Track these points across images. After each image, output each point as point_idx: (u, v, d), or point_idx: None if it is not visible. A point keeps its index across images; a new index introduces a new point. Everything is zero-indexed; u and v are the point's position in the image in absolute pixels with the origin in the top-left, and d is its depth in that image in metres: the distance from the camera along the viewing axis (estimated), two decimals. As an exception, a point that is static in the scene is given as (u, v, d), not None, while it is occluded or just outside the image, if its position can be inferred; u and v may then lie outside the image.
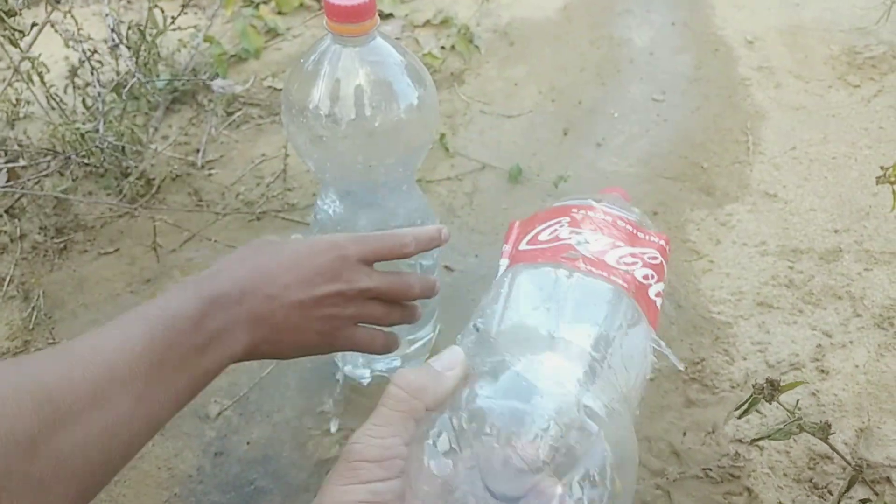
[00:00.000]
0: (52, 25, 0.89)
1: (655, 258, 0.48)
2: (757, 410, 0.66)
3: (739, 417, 0.49)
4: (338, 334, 0.50)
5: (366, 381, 0.70)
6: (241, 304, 0.44)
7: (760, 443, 0.64)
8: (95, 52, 0.89)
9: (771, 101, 1.01)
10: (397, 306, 0.54)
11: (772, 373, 0.69)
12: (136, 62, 0.87)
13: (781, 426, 0.46)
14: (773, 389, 0.43)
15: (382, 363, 0.70)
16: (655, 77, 1.05)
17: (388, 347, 0.55)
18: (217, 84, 0.99)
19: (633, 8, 1.18)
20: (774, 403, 0.63)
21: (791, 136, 0.95)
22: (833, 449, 0.51)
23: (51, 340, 0.76)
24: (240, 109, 1.03)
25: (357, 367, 0.70)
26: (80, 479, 0.35)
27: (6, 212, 0.88)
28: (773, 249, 0.80)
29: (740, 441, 0.65)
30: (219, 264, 0.47)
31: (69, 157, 0.85)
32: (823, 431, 0.47)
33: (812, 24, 1.14)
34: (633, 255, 0.47)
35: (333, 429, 0.67)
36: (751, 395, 0.49)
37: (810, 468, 0.62)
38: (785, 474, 0.62)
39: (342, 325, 0.50)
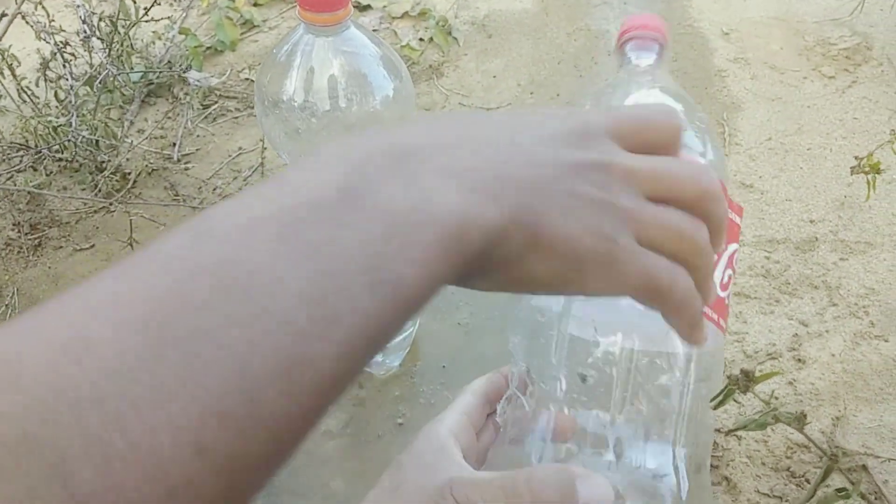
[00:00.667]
0: (23, 17, 0.87)
1: (733, 244, 0.36)
2: (735, 400, 0.67)
3: (715, 408, 0.50)
4: (618, 243, 0.26)
5: None
6: (449, 156, 0.25)
7: (738, 432, 0.65)
8: (68, 44, 0.87)
9: (747, 92, 1.02)
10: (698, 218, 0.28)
11: (749, 363, 0.70)
12: (109, 54, 0.85)
13: (757, 417, 0.46)
14: (747, 381, 0.44)
15: None
16: (633, 69, 1.05)
17: (691, 295, 0.27)
18: (193, 77, 0.98)
19: (610, 0, 1.19)
20: (750, 393, 0.64)
21: (766, 126, 0.96)
22: (809, 439, 0.52)
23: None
24: (216, 102, 1.02)
25: None
26: None
27: (-23, 208, 0.87)
28: (749, 240, 0.81)
29: (718, 431, 0.65)
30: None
31: (41, 152, 0.84)
32: (799, 422, 0.48)
33: (787, 15, 1.15)
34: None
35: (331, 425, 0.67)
36: (726, 387, 0.49)
37: (788, 457, 0.63)
38: (763, 463, 0.63)
39: (620, 228, 0.26)
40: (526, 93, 1.02)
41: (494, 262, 0.25)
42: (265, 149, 0.92)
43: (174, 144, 0.95)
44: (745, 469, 0.62)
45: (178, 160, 0.93)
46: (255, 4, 1.21)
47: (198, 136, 0.97)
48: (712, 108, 0.98)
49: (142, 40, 1.03)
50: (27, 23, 0.89)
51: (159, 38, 1.06)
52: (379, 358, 0.70)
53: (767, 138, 0.94)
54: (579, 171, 0.26)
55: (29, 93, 0.88)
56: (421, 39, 1.12)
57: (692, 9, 1.17)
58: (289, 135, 0.52)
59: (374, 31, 1.15)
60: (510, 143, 0.26)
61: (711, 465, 0.62)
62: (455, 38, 1.12)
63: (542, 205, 0.25)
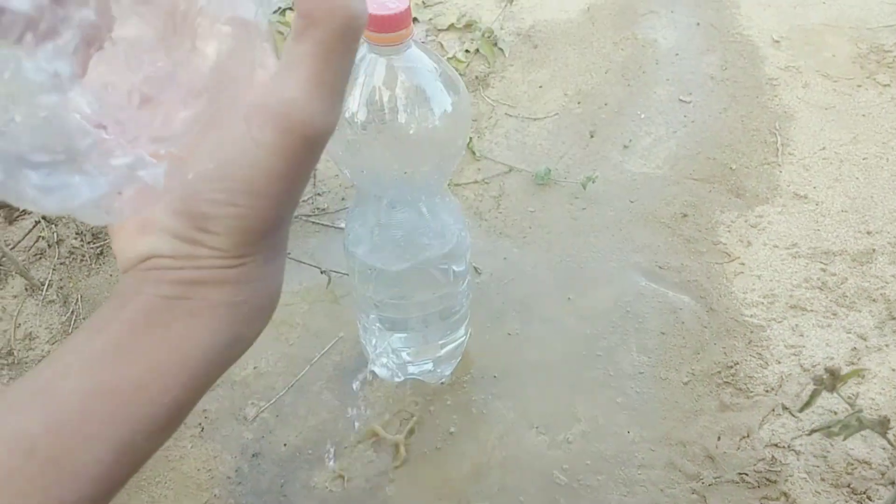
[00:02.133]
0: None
1: None
2: (791, 414, 0.66)
3: (800, 411, 0.49)
4: None
5: (398, 380, 0.71)
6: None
7: (797, 447, 0.64)
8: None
9: (799, 101, 1.01)
10: None
11: (807, 377, 0.69)
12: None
13: (839, 420, 0.45)
14: (833, 379, 0.43)
15: (415, 366, 0.71)
16: (681, 78, 1.05)
17: None
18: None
19: (657, 9, 1.18)
20: (813, 408, 0.63)
21: (820, 136, 0.95)
22: (892, 444, 0.50)
23: (89, 345, 0.78)
24: (268, 115, 1.05)
25: (389, 369, 0.71)
26: None
27: (43, 218, 0.90)
28: (804, 251, 0.80)
29: (776, 445, 0.64)
30: None
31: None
32: (882, 426, 0.46)
33: (840, 22, 1.13)
34: None
35: (357, 426, 0.68)
36: (812, 389, 0.48)
37: (848, 473, 0.62)
38: (822, 479, 0.62)
39: None
40: (573, 102, 1.02)
41: None
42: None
43: (229, 156, 0.97)
44: (803, 485, 0.61)
45: (233, 172, 0.95)
46: (305, 18, 1.23)
47: (251, 148, 0.99)
48: (763, 118, 0.97)
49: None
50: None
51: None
52: (431, 368, 0.71)
53: (821, 148, 0.92)
54: None
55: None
56: (467, 51, 1.13)
57: (741, 16, 1.16)
58: (350, 150, 0.54)
59: (420, 43, 1.17)
60: None
61: (769, 481, 0.62)
62: (501, 49, 1.13)
63: None
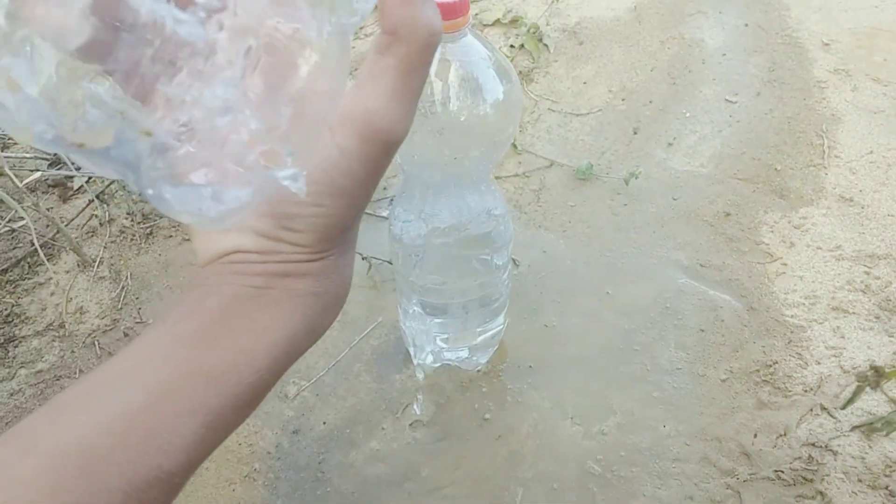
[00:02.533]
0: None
1: None
2: (830, 415, 0.66)
3: (843, 408, 0.49)
4: None
5: (435, 365, 0.73)
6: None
7: (835, 448, 0.63)
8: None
9: (847, 104, 0.99)
10: None
11: (847, 378, 0.68)
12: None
13: (882, 416, 0.45)
14: (878, 377, 0.43)
15: (451, 353, 0.72)
16: (728, 78, 1.04)
17: None
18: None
19: (705, 9, 1.17)
20: (850, 408, 0.63)
21: (868, 139, 0.93)
22: None
23: (138, 320, 0.80)
24: (314, 104, 1.07)
25: (426, 356, 0.72)
26: None
27: (97, 197, 0.93)
28: (848, 254, 0.79)
29: (813, 445, 0.64)
30: None
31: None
32: None
33: (891, 25, 1.11)
34: None
35: (418, 411, 0.69)
36: (856, 386, 0.48)
37: (886, 475, 0.61)
38: (860, 480, 0.61)
39: None
40: (617, 99, 1.02)
41: None
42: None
43: (275, 143, 0.99)
44: (840, 485, 0.61)
45: (280, 158, 0.97)
46: (352, 11, 1.25)
47: (297, 135, 1.01)
48: (811, 120, 0.96)
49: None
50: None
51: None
52: (466, 355, 0.72)
53: (869, 151, 0.91)
54: None
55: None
56: (512, 46, 1.14)
57: (791, 19, 1.14)
58: None
59: (465, 37, 1.18)
60: None
61: (805, 479, 0.62)
62: (546, 45, 1.14)
63: None
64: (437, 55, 0.52)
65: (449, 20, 0.50)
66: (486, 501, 0.63)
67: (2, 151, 0.86)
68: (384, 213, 0.89)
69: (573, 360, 0.73)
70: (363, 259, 0.82)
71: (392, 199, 0.91)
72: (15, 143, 0.95)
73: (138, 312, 0.81)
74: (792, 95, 1.01)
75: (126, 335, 0.79)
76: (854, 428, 0.63)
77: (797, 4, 1.18)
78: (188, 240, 0.88)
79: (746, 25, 1.14)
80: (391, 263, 0.81)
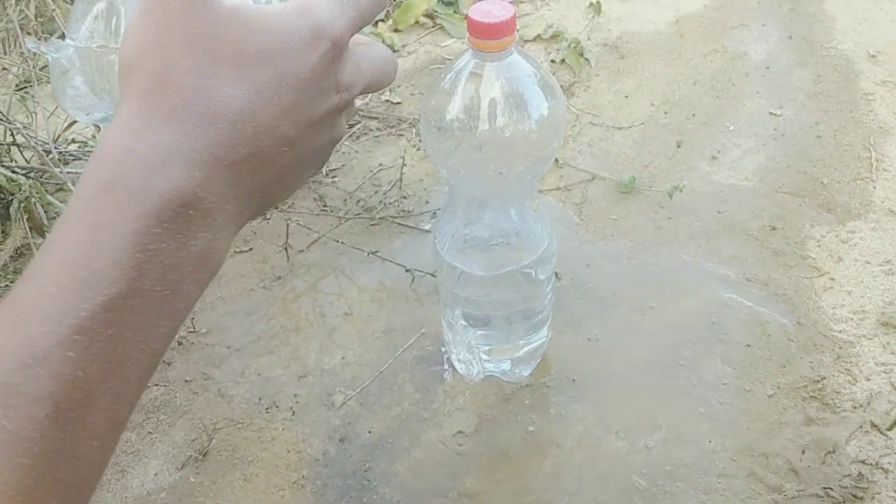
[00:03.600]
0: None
1: None
2: (881, 432, 0.65)
3: (889, 429, 0.49)
4: (333, 146, 0.36)
5: (479, 378, 0.73)
6: (256, 156, 0.30)
7: (885, 466, 0.62)
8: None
9: (895, 116, 0.98)
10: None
11: (897, 395, 0.67)
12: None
13: None
14: None
15: (494, 365, 0.73)
16: (772, 91, 1.04)
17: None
18: (340, 96, 1.05)
19: (748, 22, 1.17)
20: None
21: (918, 152, 0.92)
22: None
23: (191, 329, 0.83)
24: (359, 122, 1.09)
25: (468, 365, 0.73)
26: None
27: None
28: (899, 269, 0.78)
29: (863, 462, 0.63)
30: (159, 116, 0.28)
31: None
32: None
33: (942, 36, 1.09)
34: None
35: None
36: None
37: (940, 494, 0.60)
38: (912, 499, 0.60)
39: (339, 139, 0.36)
40: (660, 112, 1.03)
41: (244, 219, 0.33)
42: (404, 165, 0.97)
43: (322, 158, 1.02)
44: (892, 503, 0.60)
45: (326, 174, 1.00)
46: (396, 31, 1.28)
47: (343, 152, 1.04)
48: (858, 133, 0.95)
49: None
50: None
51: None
52: (509, 367, 0.73)
53: (919, 164, 0.90)
54: (320, 122, 0.32)
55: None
56: (553, 61, 1.15)
57: (836, 31, 1.13)
58: (448, 151, 0.56)
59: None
60: (267, 125, 0.30)
61: (856, 497, 0.61)
62: (587, 60, 1.14)
63: (271, 179, 0.32)
64: (484, 72, 0.54)
65: (496, 40, 0.51)
66: (530, 513, 0.64)
67: (63, 167, 0.90)
68: (426, 227, 0.91)
69: (617, 374, 0.73)
70: (407, 272, 0.83)
71: (435, 213, 0.92)
72: (75, 159, 0.99)
73: (191, 322, 0.83)
74: (838, 108, 1.00)
75: (180, 343, 0.82)
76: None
77: (842, 16, 1.17)
78: (239, 252, 0.91)
79: (790, 38, 1.13)
80: (434, 276, 0.83)
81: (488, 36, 0.51)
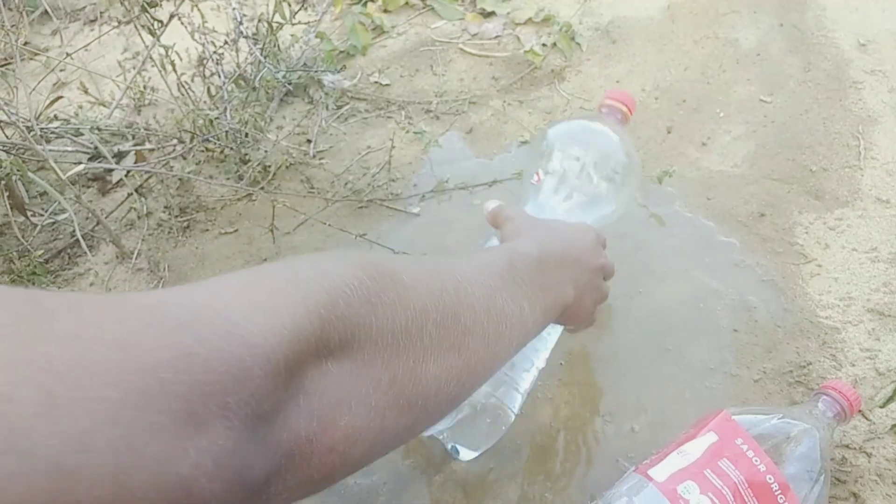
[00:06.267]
0: (179, 18, 0.95)
1: None
2: (864, 417, 0.65)
3: (883, 406, 0.49)
4: (596, 306, 0.61)
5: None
6: (566, 265, 0.53)
7: (869, 450, 0.63)
8: (226, 43, 0.95)
9: (884, 105, 0.98)
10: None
11: (882, 381, 0.68)
12: (262, 53, 0.92)
13: None
14: None
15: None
16: (762, 78, 1.03)
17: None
18: (328, 79, 1.04)
19: (739, 9, 1.17)
20: (885, 411, 0.62)
21: (906, 141, 0.92)
22: None
23: (175, 311, 0.82)
24: (347, 104, 1.08)
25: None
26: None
27: (136, 190, 0.95)
28: (885, 256, 0.78)
29: (847, 447, 0.64)
30: (527, 232, 0.56)
31: (195, 139, 0.91)
32: None
33: (932, 26, 1.09)
34: None
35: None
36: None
37: (923, 478, 0.60)
38: (894, 482, 0.61)
39: (600, 299, 0.61)
40: (650, 98, 1.02)
41: (566, 315, 0.55)
42: (393, 147, 0.96)
43: (310, 141, 1.01)
44: (874, 487, 0.60)
45: (314, 156, 0.98)
46: (385, 11, 1.26)
47: (331, 134, 1.03)
48: (847, 121, 0.95)
49: (282, 43, 1.10)
50: (182, 24, 0.97)
51: (297, 42, 1.13)
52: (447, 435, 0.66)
53: (907, 153, 0.90)
54: (598, 270, 0.59)
55: (186, 87, 0.96)
56: (544, 45, 1.14)
57: (827, 19, 1.13)
58: (540, 207, 0.69)
59: (496, 36, 1.18)
60: (582, 253, 0.57)
61: (839, 480, 0.61)
62: (578, 44, 1.14)
63: (583, 291, 0.56)
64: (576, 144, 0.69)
65: (625, 106, 0.71)
66: (515, 496, 0.63)
67: (46, 144, 0.88)
68: (415, 210, 0.90)
69: (605, 358, 0.73)
70: (395, 254, 0.83)
71: (423, 196, 0.92)
72: (58, 136, 0.97)
73: (175, 304, 0.82)
74: (827, 96, 1.00)
75: (163, 326, 0.81)
76: (893, 427, 0.62)
77: (833, 4, 1.17)
78: (224, 233, 0.90)
79: (781, 25, 1.13)
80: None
81: (624, 102, 0.72)
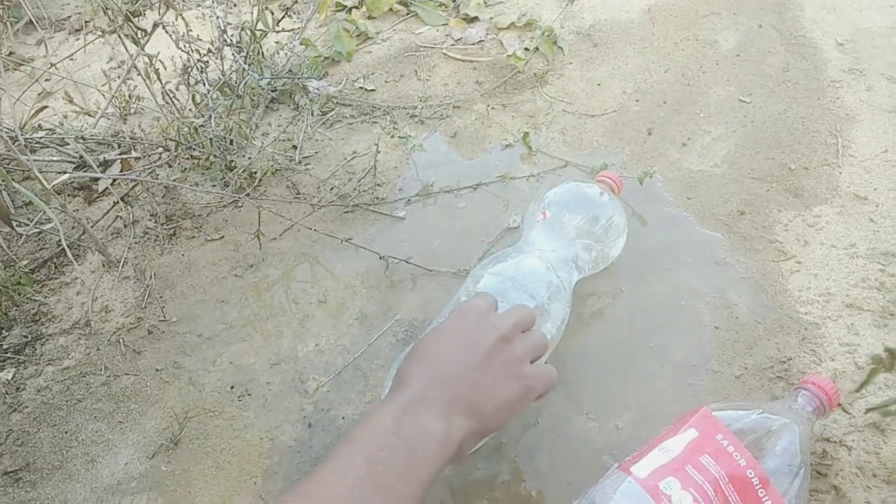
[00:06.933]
0: (164, 27, 0.95)
1: None
2: (844, 410, 0.66)
3: (858, 391, 0.50)
4: (527, 375, 0.55)
5: None
6: (429, 399, 0.51)
7: (849, 443, 0.64)
8: (210, 51, 0.95)
9: (862, 103, 1.00)
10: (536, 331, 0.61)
11: (861, 375, 0.69)
12: (246, 61, 0.92)
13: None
14: (892, 359, 0.44)
15: None
16: (742, 79, 1.05)
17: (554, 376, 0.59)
18: (313, 85, 1.05)
19: (719, 11, 1.18)
20: (864, 402, 0.63)
21: (882, 139, 0.94)
22: None
23: (161, 318, 0.82)
24: (333, 109, 1.08)
25: None
26: None
27: (121, 199, 0.96)
28: (863, 252, 0.79)
29: (827, 440, 0.65)
30: (400, 375, 0.54)
31: (180, 147, 0.91)
32: None
33: (907, 25, 1.11)
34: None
35: None
36: (870, 369, 0.49)
37: (901, 470, 0.61)
38: (874, 475, 0.62)
39: (523, 364, 0.56)
40: (631, 100, 1.03)
41: (475, 435, 0.54)
42: (378, 152, 0.97)
43: (295, 147, 1.01)
44: (854, 479, 0.61)
45: (300, 161, 0.99)
46: (370, 17, 1.27)
47: (316, 139, 1.03)
48: (825, 120, 0.97)
49: (266, 50, 1.11)
50: (167, 32, 0.98)
51: (282, 49, 1.13)
52: None
53: (884, 150, 0.92)
54: (493, 350, 0.55)
55: (171, 95, 0.96)
56: (526, 49, 1.15)
57: (805, 19, 1.15)
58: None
59: (480, 41, 1.19)
60: (457, 366, 0.54)
61: (820, 473, 0.62)
62: (560, 48, 1.15)
63: (477, 398, 0.53)
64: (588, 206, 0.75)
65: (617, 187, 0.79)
66: (502, 495, 0.64)
67: (31, 154, 0.88)
68: (400, 214, 0.91)
69: (588, 356, 0.74)
70: (381, 258, 0.83)
71: (409, 200, 0.92)
72: (43, 146, 0.97)
73: (162, 311, 0.83)
74: (806, 95, 1.01)
75: (150, 332, 0.81)
76: (868, 411, 0.63)
77: (812, 5, 1.18)
78: (211, 240, 0.90)
79: (760, 26, 1.15)
80: (408, 262, 0.83)
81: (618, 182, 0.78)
